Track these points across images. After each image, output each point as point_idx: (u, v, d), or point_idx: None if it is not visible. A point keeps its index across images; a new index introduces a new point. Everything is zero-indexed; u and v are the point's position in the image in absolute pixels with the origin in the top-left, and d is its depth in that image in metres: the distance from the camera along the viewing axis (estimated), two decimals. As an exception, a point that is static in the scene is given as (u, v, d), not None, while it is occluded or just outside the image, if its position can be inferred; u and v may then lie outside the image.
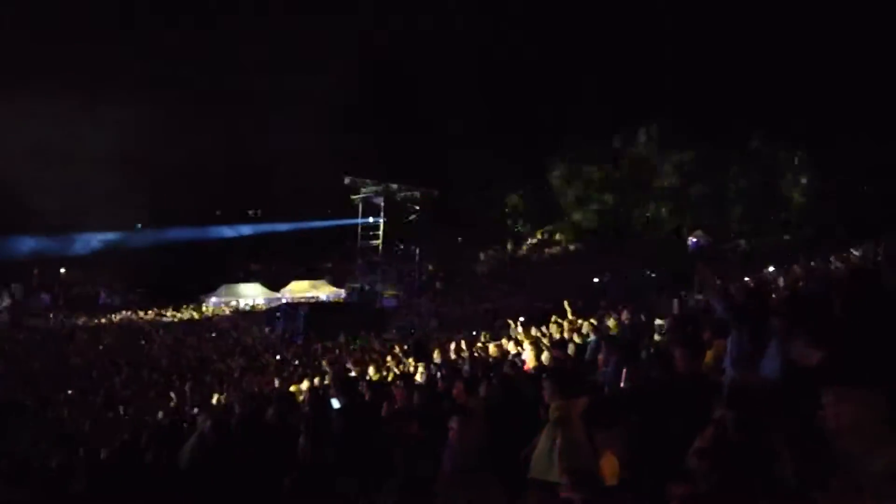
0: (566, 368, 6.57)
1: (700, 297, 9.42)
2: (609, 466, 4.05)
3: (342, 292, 40.45)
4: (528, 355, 7.81)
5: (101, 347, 27.57)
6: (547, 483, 4.15)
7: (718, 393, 4.77)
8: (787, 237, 33.09)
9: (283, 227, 46.81)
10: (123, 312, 38.44)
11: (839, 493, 1.89)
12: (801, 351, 3.22)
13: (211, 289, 42.61)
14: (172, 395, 13.83)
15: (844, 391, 2.13)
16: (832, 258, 11.88)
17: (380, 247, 39.16)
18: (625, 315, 9.42)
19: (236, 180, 47.91)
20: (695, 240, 36.34)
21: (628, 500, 3.87)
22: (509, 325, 12.11)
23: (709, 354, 5.94)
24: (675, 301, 9.43)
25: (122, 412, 15.48)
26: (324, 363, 17.30)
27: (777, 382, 4.00)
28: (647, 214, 40.13)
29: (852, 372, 2.97)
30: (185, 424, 8.61)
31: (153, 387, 18.34)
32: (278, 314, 31.23)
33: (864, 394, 2.11)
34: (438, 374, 8.98)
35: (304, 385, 10.83)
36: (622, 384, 5.34)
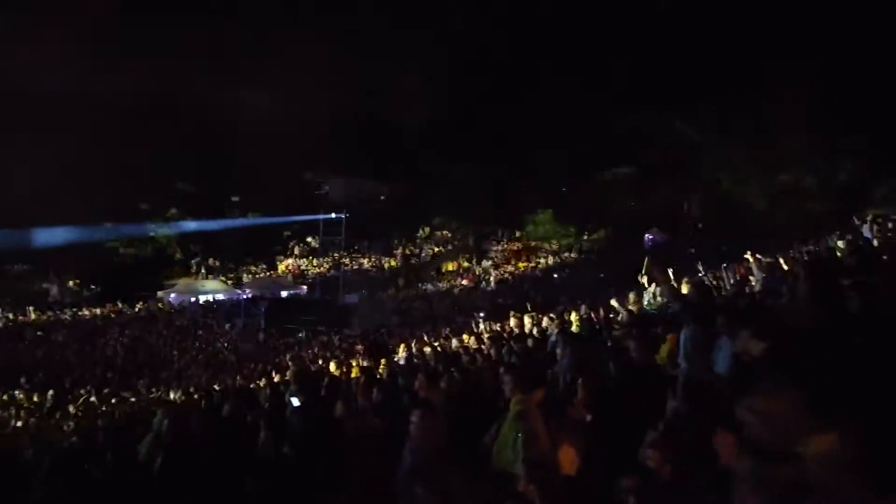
0: (525, 362, 6.67)
1: (650, 292, 9.69)
2: (567, 458, 4.15)
3: (304, 288, 40.20)
4: (489, 349, 7.90)
5: (52, 345, 26.61)
6: (512, 475, 4.24)
7: (673, 386, 4.96)
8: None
9: (244, 221, 46.16)
10: (76, 309, 37.23)
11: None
12: (744, 344, 3.37)
13: (169, 284, 41.62)
14: (128, 393, 13.51)
15: (772, 381, 2.24)
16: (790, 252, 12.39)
17: (342, 242, 38.95)
18: (583, 310, 9.62)
19: (197, 175, 46.94)
20: (650, 236, 37.30)
21: (585, 491, 3.98)
22: (471, 321, 12.19)
23: (664, 349, 6.13)
24: (631, 296, 9.66)
25: (73, 412, 15.02)
26: (285, 359, 17.15)
27: (726, 377, 4.18)
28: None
29: (793, 362, 3.12)
30: (140, 423, 8.40)
31: (108, 385, 17.85)
32: (238, 310, 30.80)
33: (789, 385, 2.23)
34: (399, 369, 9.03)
35: (263, 382, 10.71)
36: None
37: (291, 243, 47.41)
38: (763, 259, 9.33)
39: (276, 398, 7.62)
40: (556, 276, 33.08)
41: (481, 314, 21.46)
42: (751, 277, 9.30)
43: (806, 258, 8.97)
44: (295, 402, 6.78)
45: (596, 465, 4.11)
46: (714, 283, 10.65)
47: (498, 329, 10.89)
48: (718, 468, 3.11)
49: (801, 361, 3.25)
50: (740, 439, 3.05)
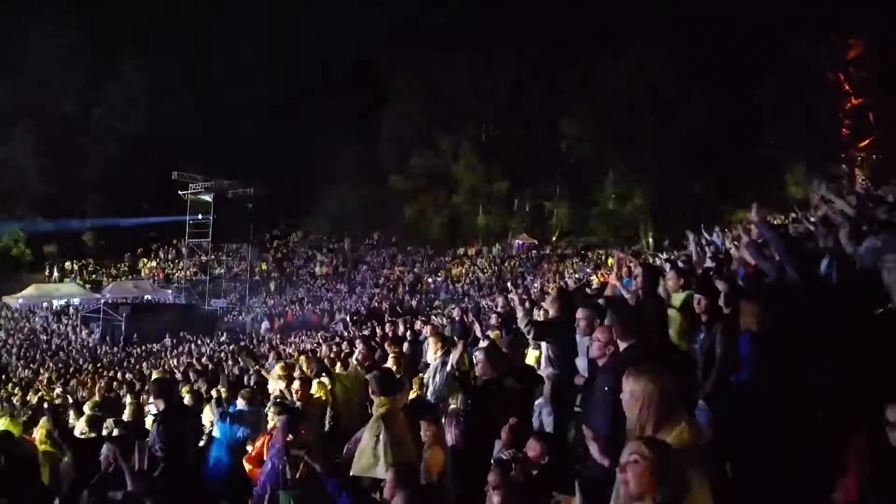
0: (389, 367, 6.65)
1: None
2: (434, 459, 4.11)
3: (168, 293, 37.55)
4: (361, 353, 7.76)
5: None
6: (373, 480, 4.14)
7: (540, 386, 5.13)
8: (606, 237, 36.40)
9: (104, 222, 42.60)
10: None
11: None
12: (597, 346, 3.51)
13: (17, 288, 37.01)
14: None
15: (639, 370, 2.35)
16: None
17: (209, 245, 36.94)
18: (455, 313, 9.75)
19: (54, 171, 42.60)
20: (520, 242, 39.05)
21: (451, 492, 3.97)
22: (344, 325, 11.96)
23: (534, 354, 6.33)
24: (500, 299, 9.95)
25: None
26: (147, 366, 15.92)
27: (585, 376, 4.38)
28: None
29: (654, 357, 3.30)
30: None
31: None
32: (97, 315, 28.53)
33: (655, 371, 2.34)
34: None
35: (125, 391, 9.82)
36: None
37: (155, 245, 44.45)
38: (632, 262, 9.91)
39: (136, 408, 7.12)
40: (430, 280, 33.51)
41: (355, 317, 21.29)
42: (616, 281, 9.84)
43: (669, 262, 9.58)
44: (154, 409, 6.34)
45: (464, 463, 4.13)
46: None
47: (369, 334, 10.76)
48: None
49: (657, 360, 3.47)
50: (546, 447, 3.39)
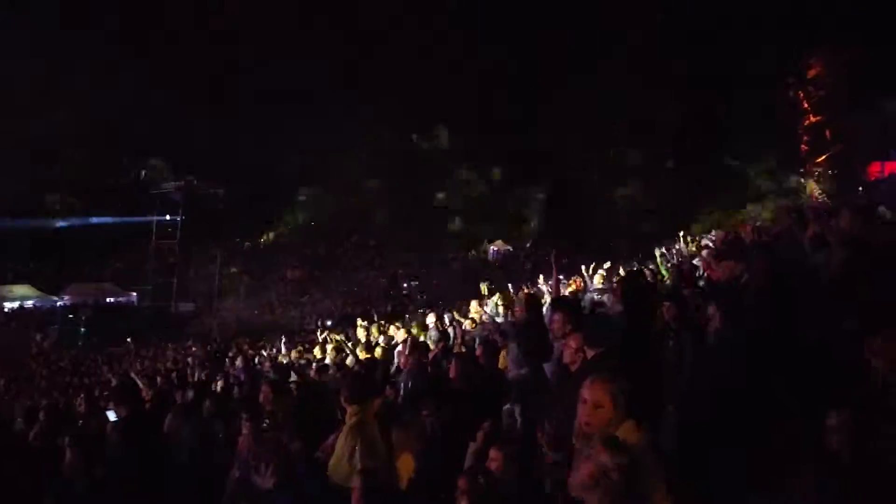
0: (361, 372, 6.62)
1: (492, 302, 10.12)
2: (405, 466, 4.11)
3: (133, 295, 36.68)
4: (331, 359, 7.73)
5: None
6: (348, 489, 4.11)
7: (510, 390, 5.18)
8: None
9: (65, 221, 41.32)
10: None
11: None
12: (569, 352, 3.57)
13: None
14: None
15: (598, 377, 2.42)
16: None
17: (177, 247, 36.21)
18: (430, 318, 9.74)
19: (12, 168, 41.16)
20: (495, 249, 39.19)
21: (422, 500, 3.96)
22: (316, 331, 11.85)
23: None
24: (474, 304, 9.99)
25: None
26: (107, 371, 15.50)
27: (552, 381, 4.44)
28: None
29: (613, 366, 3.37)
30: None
31: None
32: (53, 318, 27.72)
33: (613, 378, 2.41)
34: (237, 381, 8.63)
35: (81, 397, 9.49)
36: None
37: (120, 246, 43.30)
38: (600, 271, 10.08)
39: (94, 415, 6.89)
40: (405, 284, 33.47)
41: (328, 322, 21.09)
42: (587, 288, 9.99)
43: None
44: (112, 416, 6.15)
45: (434, 469, 4.14)
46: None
47: (341, 339, 10.68)
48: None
49: (622, 364, 3.53)
50: (507, 453, 3.36)
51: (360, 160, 43.05)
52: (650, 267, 10.11)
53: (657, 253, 9.40)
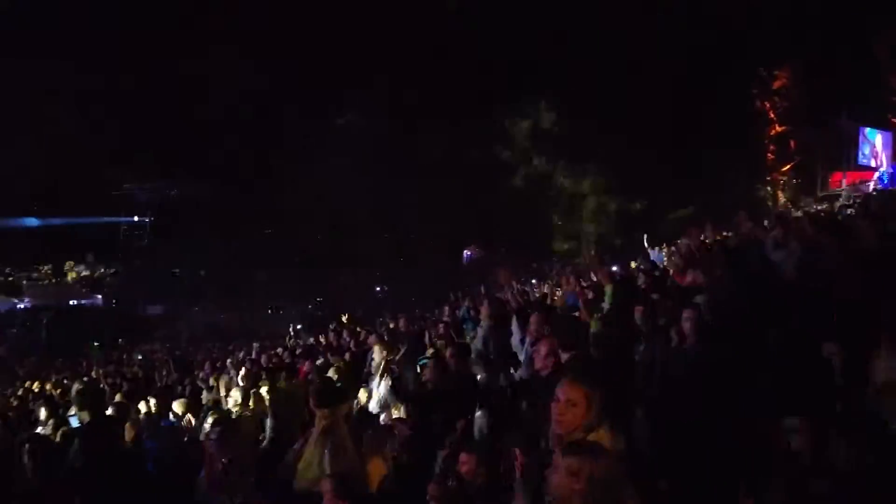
0: (331, 377, 6.56)
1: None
2: (376, 471, 4.08)
3: (98, 298, 35.79)
4: (306, 364, 7.65)
5: None
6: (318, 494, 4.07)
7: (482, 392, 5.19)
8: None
9: (27, 221, 40.11)
10: None
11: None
12: (540, 357, 3.59)
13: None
14: None
15: (572, 378, 2.43)
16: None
17: (146, 248, 35.53)
18: (402, 323, 9.72)
19: None
20: (468, 252, 39.31)
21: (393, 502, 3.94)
22: (287, 334, 11.74)
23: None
24: (446, 307, 10.02)
25: None
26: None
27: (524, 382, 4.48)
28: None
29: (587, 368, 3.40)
30: None
31: None
32: (13, 321, 26.94)
33: (589, 385, 2.41)
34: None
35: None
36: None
37: (85, 248, 42.26)
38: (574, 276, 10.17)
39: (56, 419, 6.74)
40: (378, 288, 33.34)
41: (298, 326, 20.85)
42: (557, 292, 10.11)
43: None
44: (75, 422, 6.01)
45: (406, 473, 4.12)
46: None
47: (314, 343, 10.59)
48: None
49: (596, 367, 3.57)
50: (481, 460, 3.34)
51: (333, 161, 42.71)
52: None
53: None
